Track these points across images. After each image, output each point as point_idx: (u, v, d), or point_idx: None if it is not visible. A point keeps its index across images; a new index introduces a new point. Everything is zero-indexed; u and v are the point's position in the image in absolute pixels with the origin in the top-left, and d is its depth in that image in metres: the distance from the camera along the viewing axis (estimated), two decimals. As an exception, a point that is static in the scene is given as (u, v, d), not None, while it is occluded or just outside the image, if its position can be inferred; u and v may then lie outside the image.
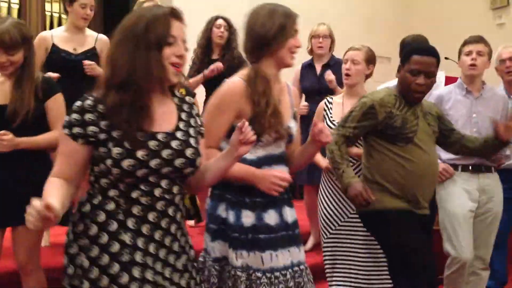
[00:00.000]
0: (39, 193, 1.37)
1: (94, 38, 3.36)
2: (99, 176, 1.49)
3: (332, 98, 2.99)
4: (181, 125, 1.58)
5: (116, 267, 1.46)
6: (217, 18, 3.85)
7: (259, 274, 1.84)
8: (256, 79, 1.87)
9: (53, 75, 3.01)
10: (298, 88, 3.63)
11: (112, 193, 1.49)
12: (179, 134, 1.55)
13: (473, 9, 6.21)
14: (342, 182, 2.37)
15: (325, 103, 2.97)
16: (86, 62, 3.18)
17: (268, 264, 1.85)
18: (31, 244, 2.30)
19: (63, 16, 6.00)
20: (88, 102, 1.47)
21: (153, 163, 1.46)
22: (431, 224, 2.91)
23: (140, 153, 1.44)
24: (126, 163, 1.43)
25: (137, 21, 1.48)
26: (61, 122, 1.55)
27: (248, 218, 1.87)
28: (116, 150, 1.43)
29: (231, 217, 1.88)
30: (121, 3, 6.42)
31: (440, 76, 3.62)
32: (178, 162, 1.51)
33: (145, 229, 1.49)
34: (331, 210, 2.86)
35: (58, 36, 3.32)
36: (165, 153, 1.49)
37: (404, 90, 2.39)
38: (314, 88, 3.73)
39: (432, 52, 2.37)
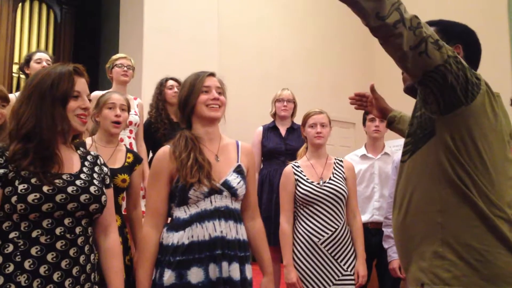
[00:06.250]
0: None
1: None
2: (1, 221, 1.54)
3: (297, 162, 2.92)
4: (85, 169, 1.71)
5: None
6: (167, 79, 4.03)
7: None
8: (180, 138, 2.03)
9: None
10: (259, 149, 3.92)
11: (12, 235, 1.52)
12: (82, 176, 1.67)
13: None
14: None
15: (292, 167, 2.87)
16: None
17: None
18: None
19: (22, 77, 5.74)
20: None
21: (58, 197, 1.55)
22: None
23: (45, 188, 1.53)
24: (32, 197, 1.51)
25: (43, 78, 1.63)
26: None
27: (169, 277, 1.87)
28: (21, 186, 1.52)
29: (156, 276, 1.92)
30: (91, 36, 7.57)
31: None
32: (83, 197, 1.61)
33: (42, 269, 1.51)
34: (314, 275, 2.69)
35: None
36: (70, 189, 1.59)
37: None
38: (280, 149, 3.86)
39: None
